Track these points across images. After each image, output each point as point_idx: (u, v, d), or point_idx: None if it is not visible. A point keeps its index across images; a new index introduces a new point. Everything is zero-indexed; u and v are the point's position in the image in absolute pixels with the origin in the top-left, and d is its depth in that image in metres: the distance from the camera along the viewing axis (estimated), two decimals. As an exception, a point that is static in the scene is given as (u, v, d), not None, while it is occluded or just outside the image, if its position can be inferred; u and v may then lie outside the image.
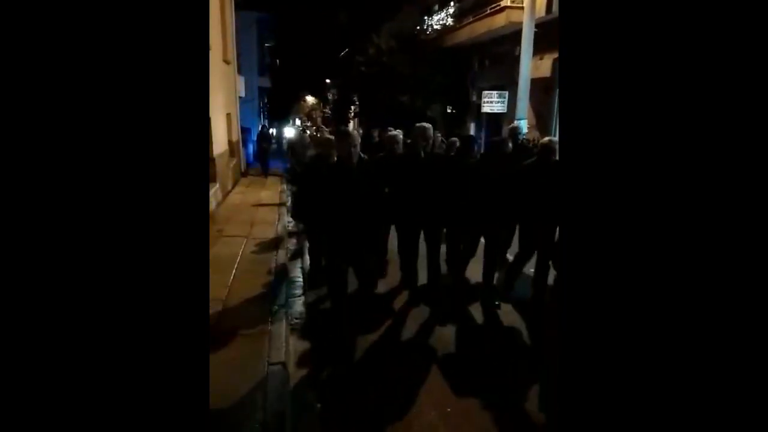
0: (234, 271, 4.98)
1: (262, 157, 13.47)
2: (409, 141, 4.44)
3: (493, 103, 10.95)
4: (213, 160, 8.46)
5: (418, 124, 4.09)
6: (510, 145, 4.25)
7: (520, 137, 5.89)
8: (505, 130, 10.51)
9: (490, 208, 3.90)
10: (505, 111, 10.89)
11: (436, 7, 14.80)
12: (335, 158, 3.75)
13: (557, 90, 9.91)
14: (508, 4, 9.98)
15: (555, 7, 9.26)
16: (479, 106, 11.91)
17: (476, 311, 4.09)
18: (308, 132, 15.56)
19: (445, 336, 3.65)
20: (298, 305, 4.27)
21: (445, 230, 4.26)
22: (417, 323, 3.84)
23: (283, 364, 3.13)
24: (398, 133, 4.63)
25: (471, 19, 11.85)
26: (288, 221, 7.15)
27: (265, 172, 12.94)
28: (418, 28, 14.91)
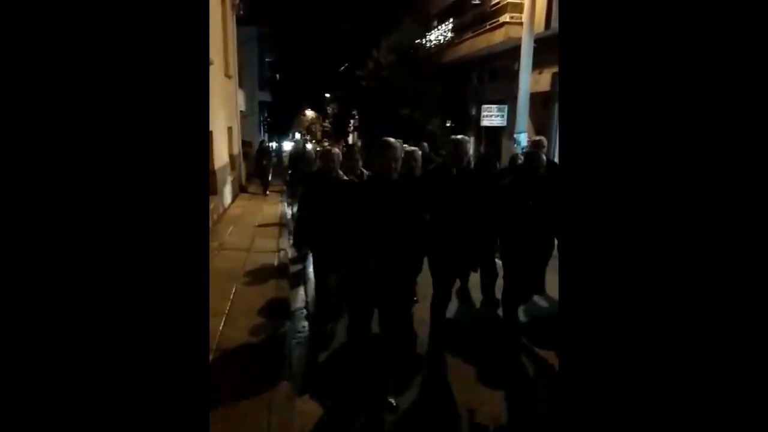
0: (236, 284, 4.96)
1: (262, 173, 12.68)
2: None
3: (492, 116, 11.02)
4: (214, 173, 8.48)
5: (453, 137, 3.43)
6: (544, 160, 3.70)
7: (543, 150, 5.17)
8: (507, 145, 10.56)
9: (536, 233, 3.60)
10: (505, 125, 10.97)
11: (436, 23, 14.98)
12: (337, 173, 3.56)
13: (556, 103, 10.00)
14: (507, 20, 10.11)
15: (554, 23, 9.38)
16: (478, 120, 11.99)
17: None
18: (309, 145, 15.53)
19: (461, 362, 3.61)
20: (301, 319, 4.24)
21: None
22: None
23: (288, 380, 3.10)
24: (415, 149, 4.02)
25: (470, 35, 11.99)
26: (289, 240, 7.11)
27: (265, 189, 12.36)
28: (417, 42, 15.08)
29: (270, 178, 12.91)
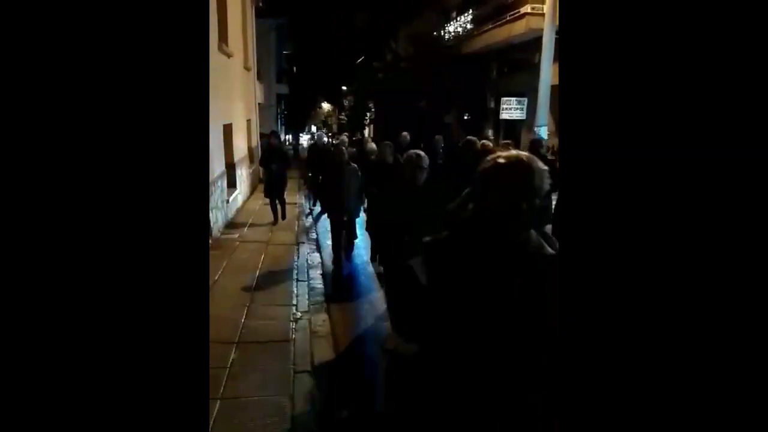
0: (257, 276, 5.00)
1: (271, 186, 7.52)
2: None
3: (511, 109, 10.89)
4: (233, 165, 8.55)
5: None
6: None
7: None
8: (527, 138, 10.44)
9: None
10: (524, 118, 10.83)
11: (455, 13, 14.82)
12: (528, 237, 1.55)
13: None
14: (529, 10, 9.94)
15: (576, 14, 9.19)
16: (497, 113, 11.86)
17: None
18: (325, 138, 15.40)
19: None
20: (321, 312, 4.25)
21: None
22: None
23: (309, 372, 3.12)
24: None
25: (490, 26, 11.84)
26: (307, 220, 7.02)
27: (276, 213, 7.67)
28: (435, 34, 14.94)
29: (284, 195, 7.83)
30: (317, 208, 8.22)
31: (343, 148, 5.46)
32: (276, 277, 5.02)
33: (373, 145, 5.82)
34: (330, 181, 5.15)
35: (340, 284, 5.03)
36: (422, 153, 2.78)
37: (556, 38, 8.35)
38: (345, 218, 5.21)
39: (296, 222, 7.87)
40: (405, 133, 7.60)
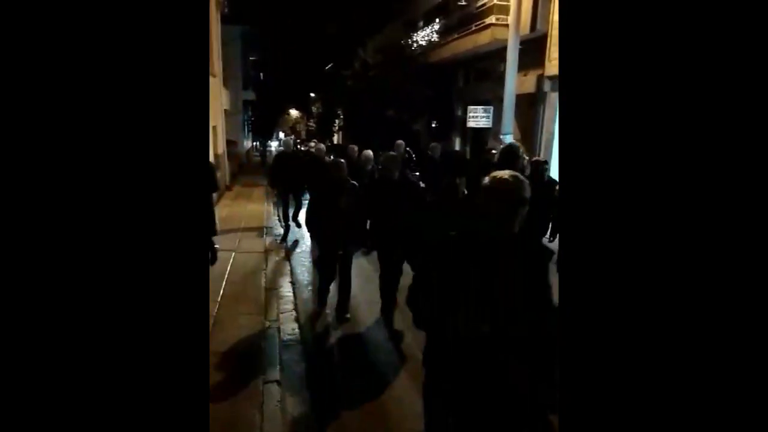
0: (224, 285, 4.89)
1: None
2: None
3: (478, 118, 11.09)
4: (199, 173, 8.36)
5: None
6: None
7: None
8: (493, 146, 10.65)
9: None
10: (491, 126, 11.04)
11: (422, 23, 15.03)
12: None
13: (542, 105, 10.10)
14: (494, 21, 10.19)
15: (539, 25, 9.49)
16: (464, 121, 12.06)
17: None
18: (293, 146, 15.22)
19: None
20: (290, 321, 4.20)
21: None
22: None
23: (278, 382, 3.08)
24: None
25: (456, 36, 12.07)
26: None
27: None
28: (403, 42, 15.10)
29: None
30: (293, 229, 7.15)
31: (341, 161, 4.15)
32: (245, 284, 4.93)
33: (369, 153, 4.79)
34: (323, 204, 4.00)
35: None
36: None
37: (519, 48, 8.57)
38: (340, 252, 4.14)
39: (263, 237, 7.75)
40: (400, 141, 6.66)
